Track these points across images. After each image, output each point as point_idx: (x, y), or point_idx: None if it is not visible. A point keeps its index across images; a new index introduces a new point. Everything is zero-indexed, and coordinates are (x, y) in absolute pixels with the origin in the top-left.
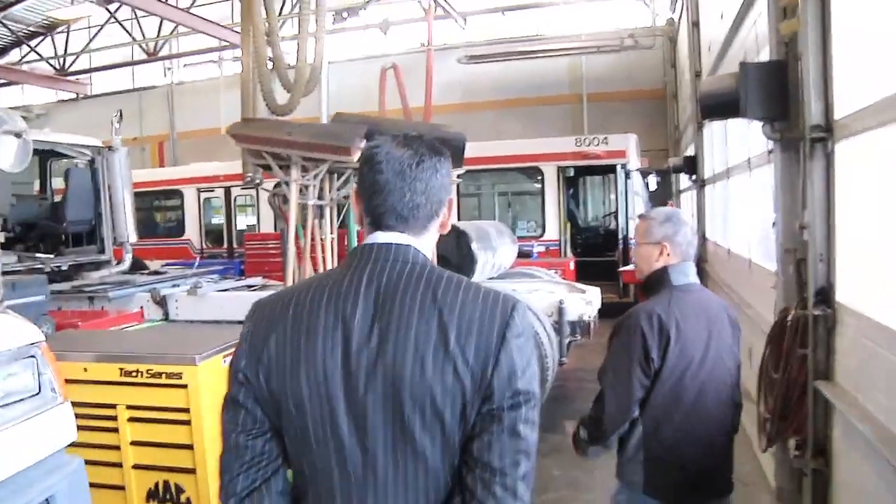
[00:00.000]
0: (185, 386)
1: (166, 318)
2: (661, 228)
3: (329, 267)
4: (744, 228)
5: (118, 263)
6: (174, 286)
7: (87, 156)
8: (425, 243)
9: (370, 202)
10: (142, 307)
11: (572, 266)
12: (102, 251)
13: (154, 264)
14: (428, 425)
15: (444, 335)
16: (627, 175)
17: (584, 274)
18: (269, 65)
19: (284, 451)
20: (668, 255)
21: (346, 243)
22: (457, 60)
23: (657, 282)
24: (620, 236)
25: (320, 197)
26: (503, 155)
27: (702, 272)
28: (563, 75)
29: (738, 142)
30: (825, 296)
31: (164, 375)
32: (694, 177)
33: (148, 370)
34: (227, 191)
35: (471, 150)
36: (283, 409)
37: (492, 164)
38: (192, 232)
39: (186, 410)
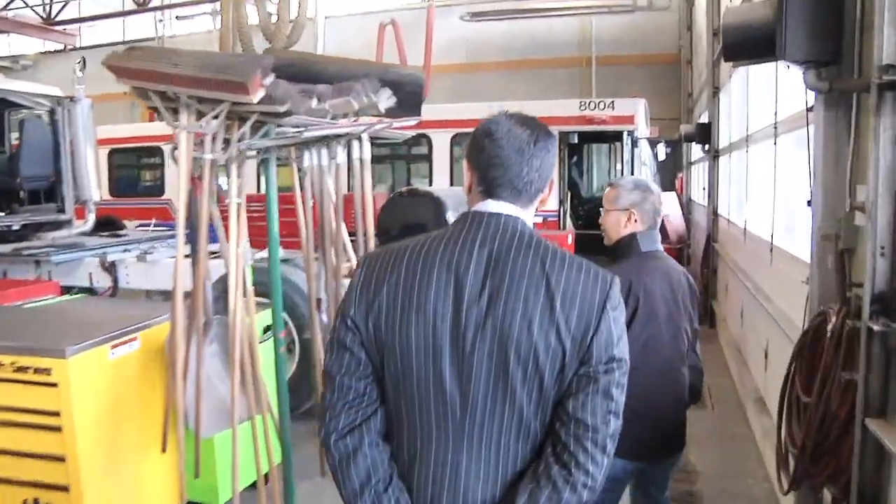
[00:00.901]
0: (54, 384)
1: (115, 286)
2: (629, 195)
3: (235, 237)
4: (765, 205)
5: (80, 224)
6: (125, 251)
7: (45, 106)
8: (529, 216)
9: (487, 173)
10: (90, 274)
11: (571, 239)
12: (63, 210)
13: (133, 225)
14: (528, 381)
15: (550, 301)
16: (635, 143)
17: (585, 248)
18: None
19: (383, 395)
20: (636, 221)
21: (354, 210)
22: (460, 18)
23: (625, 248)
24: None
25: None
26: None
27: (711, 252)
28: (573, 36)
29: (760, 105)
30: (886, 304)
31: (31, 370)
32: (707, 146)
33: (12, 363)
34: None
35: (467, 111)
36: (389, 354)
37: None
38: (172, 192)
39: (57, 414)
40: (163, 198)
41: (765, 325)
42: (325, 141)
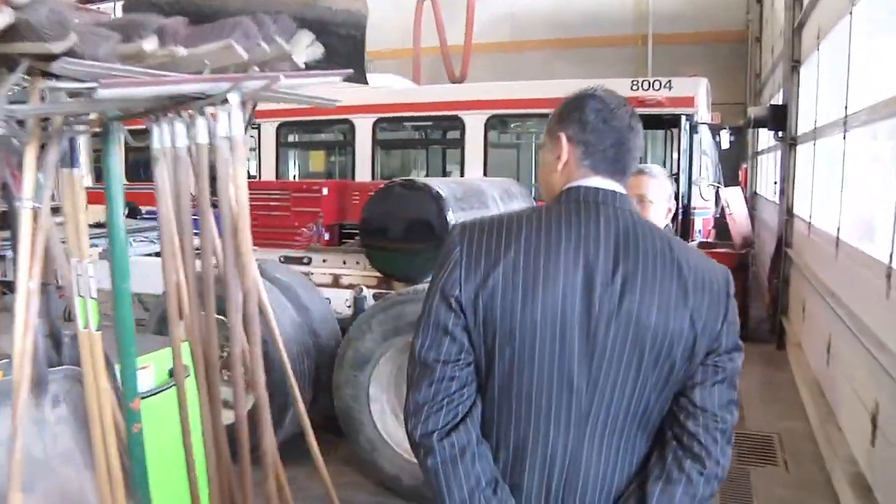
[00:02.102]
0: None
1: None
2: (670, 186)
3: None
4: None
5: None
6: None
7: None
8: None
9: (597, 147)
10: None
11: None
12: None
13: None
14: (658, 369)
15: (684, 288)
16: (694, 129)
17: None
18: None
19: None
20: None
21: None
22: None
23: None
24: (681, 203)
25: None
26: (541, 98)
27: (782, 258)
28: (627, 12)
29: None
30: None
31: None
32: (781, 133)
33: None
34: None
35: (503, 91)
36: (503, 338)
37: (524, 108)
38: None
39: None
40: None
41: (872, 377)
42: (181, 109)
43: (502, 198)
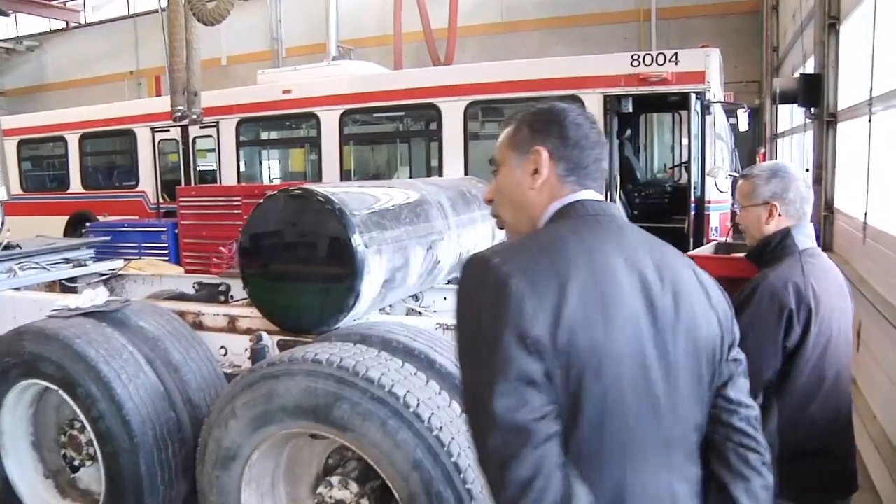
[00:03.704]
0: None
1: None
2: (767, 186)
3: None
4: None
5: None
6: None
7: None
8: None
9: (580, 163)
10: None
11: None
12: None
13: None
14: (708, 375)
15: (704, 289)
16: (706, 109)
17: None
18: None
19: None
20: (781, 215)
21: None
22: None
23: (778, 247)
24: (693, 196)
25: None
26: (526, 80)
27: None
28: None
29: None
30: None
31: None
32: (814, 109)
33: None
34: (185, 130)
35: (486, 74)
36: (590, 372)
37: (510, 92)
38: (146, 182)
39: None
40: (136, 189)
41: None
42: None
43: (455, 205)
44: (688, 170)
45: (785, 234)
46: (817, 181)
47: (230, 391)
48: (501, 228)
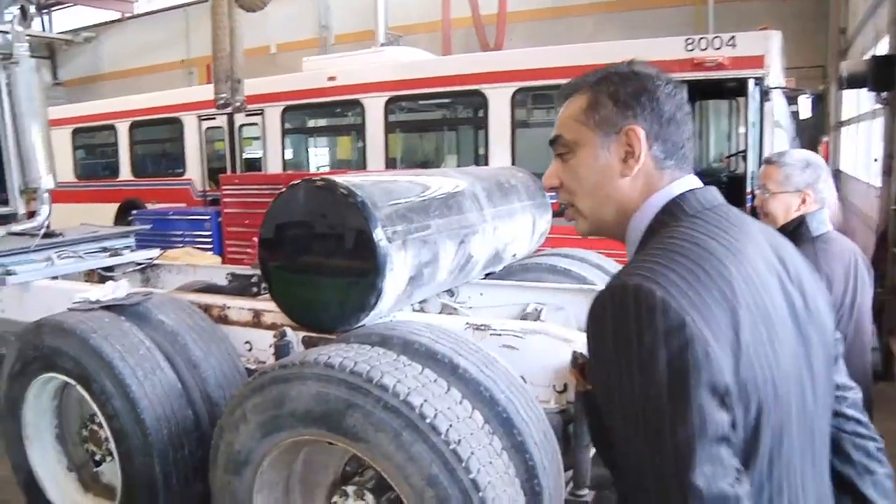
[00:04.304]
0: None
1: None
2: (802, 175)
3: None
4: None
5: (30, 217)
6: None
7: None
8: None
9: (677, 143)
10: None
11: None
12: (5, 202)
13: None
14: (831, 372)
15: (814, 273)
16: (765, 95)
17: None
18: None
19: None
20: (808, 203)
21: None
22: None
23: (792, 235)
24: (750, 188)
25: None
26: (576, 65)
27: (888, 261)
28: None
29: None
30: None
31: None
32: (886, 94)
33: None
34: (231, 118)
35: (529, 59)
36: (767, 403)
37: (560, 78)
38: (193, 170)
39: None
40: (183, 177)
41: None
42: None
43: (491, 196)
44: (744, 159)
45: (800, 222)
46: (887, 172)
47: (241, 393)
48: (570, 220)
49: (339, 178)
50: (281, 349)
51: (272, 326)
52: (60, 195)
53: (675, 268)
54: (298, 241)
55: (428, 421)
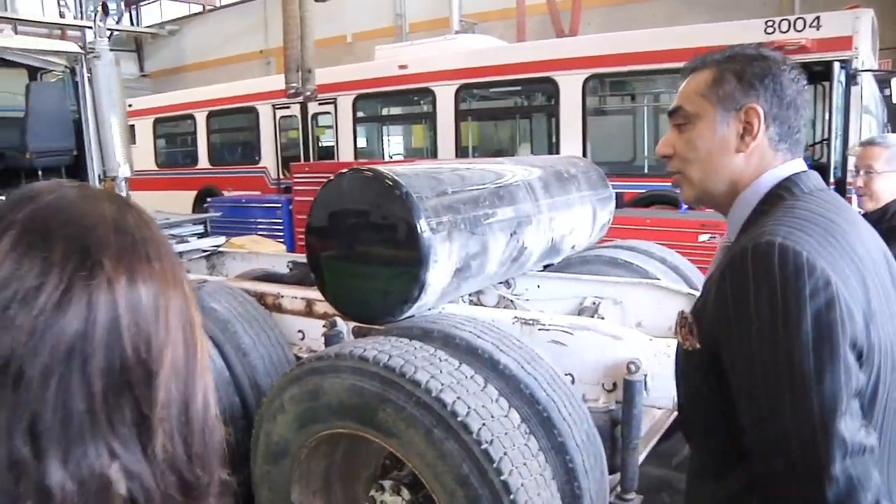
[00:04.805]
0: None
1: None
2: None
3: None
4: None
5: None
6: None
7: (59, 65)
8: None
9: (794, 128)
10: None
11: None
12: None
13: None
14: None
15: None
16: (852, 79)
17: None
18: None
19: None
20: None
21: None
22: None
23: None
24: (833, 176)
25: None
26: (649, 51)
27: None
28: None
29: None
30: None
31: None
32: None
33: None
34: (304, 107)
35: (601, 45)
36: (883, 369)
37: (633, 65)
38: (268, 158)
39: None
40: (258, 165)
41: None
42: None
43: (547, 187)
44: (828, 147)
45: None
46: None
47: (280, 383)
48: (677, 187)
49: (386, 168)
50: (331, 339)
51: (324, 316)
52: (142, 183)
53: (811, 233)
54: (343, 230)
55: (459, 419)
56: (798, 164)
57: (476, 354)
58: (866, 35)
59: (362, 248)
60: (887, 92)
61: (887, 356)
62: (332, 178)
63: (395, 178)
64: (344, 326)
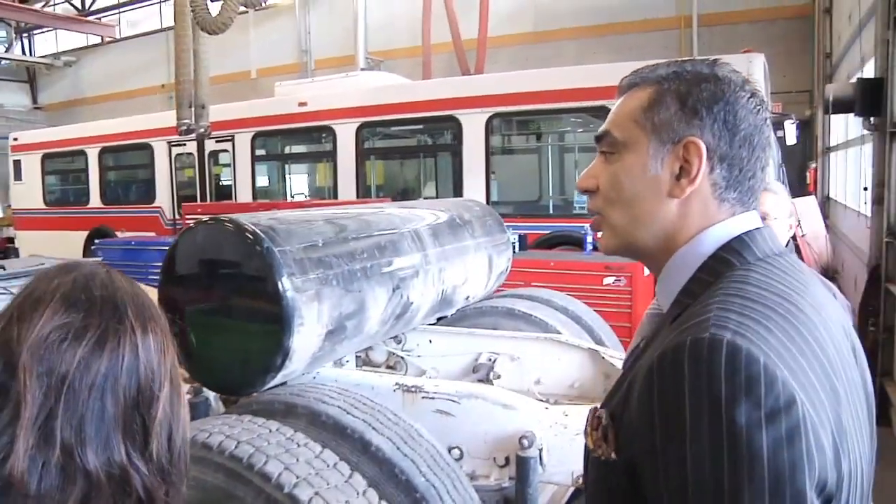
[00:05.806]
0: None
1: None
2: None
3: None
4: None
5: None
6: None
7: None
8: None
9: (750, 164)
10: None
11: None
12: None
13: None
14: None
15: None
16: None
17: None
18: None
19: None
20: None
21: None
22: None
23: None
24: None
25: None
26: (553, 90)
27: (880, 296)
28: None
29: None
30: None
31: None
32: (874, 119)
33: None
34: (201, 145)
35: (504, 83)
36: (851, 494)
37: (537, 104)
38: (163, 198)
39: None
40: (153, 205)
41: None
42: None
43: (437, 234)
44: None
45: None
46: (877, 201)
47: None
48: (596, 230)
49: (249, 218)
50: (196, 407)
51: (187, 381)
52: (29, 222)
53: (769, 324)
54: (199, 289)
55: None
56: (750, 219)
57: (345, 435)
58: (759, 78)
59: (220, 311)
60: (780, 133)
61: (856, 486)
62: (186, 229)
63: (256, 230)
64: (211, 394)
